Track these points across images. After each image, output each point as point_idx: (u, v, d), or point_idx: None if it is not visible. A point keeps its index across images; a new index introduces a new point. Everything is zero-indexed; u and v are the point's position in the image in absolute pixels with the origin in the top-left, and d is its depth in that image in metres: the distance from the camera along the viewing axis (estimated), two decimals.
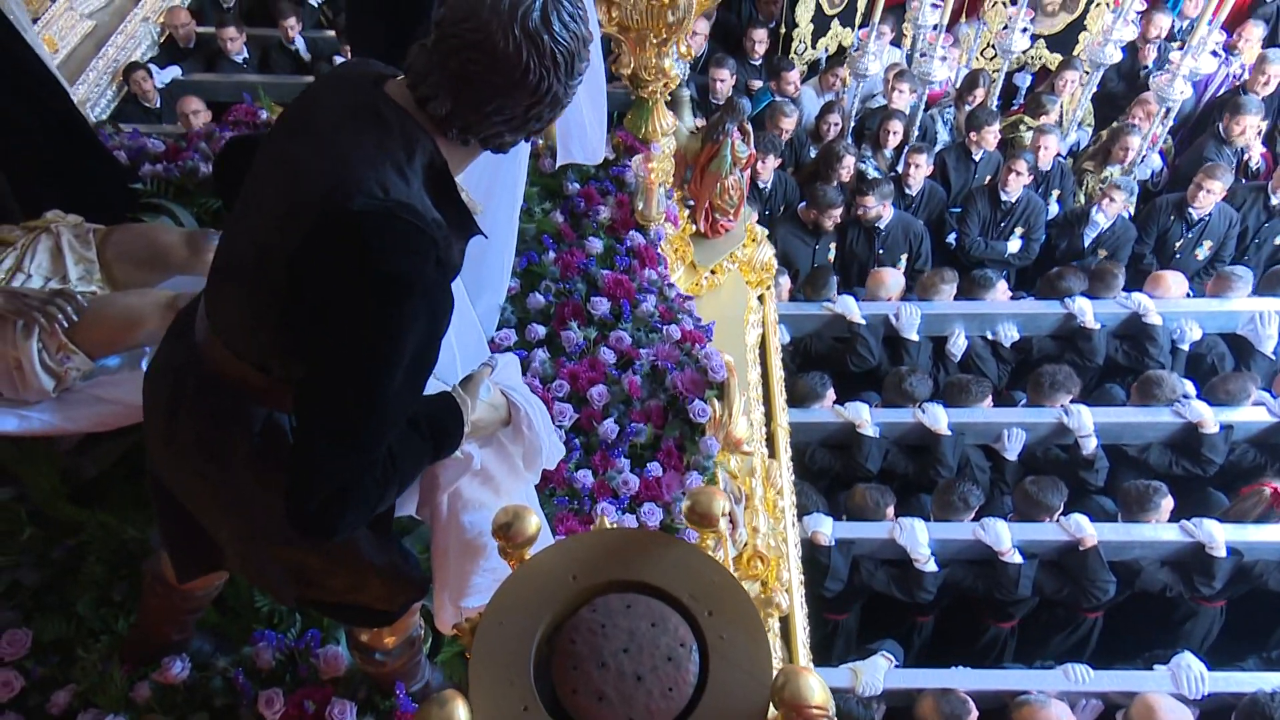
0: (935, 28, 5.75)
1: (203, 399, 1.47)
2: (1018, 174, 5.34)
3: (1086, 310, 4.82)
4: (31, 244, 2.49)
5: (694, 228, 3.87)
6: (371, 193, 1.24)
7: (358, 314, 1.23)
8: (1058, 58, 6.60)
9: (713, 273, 4.03)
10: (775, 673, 1.32)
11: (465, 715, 1.28)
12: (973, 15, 6.86)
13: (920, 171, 5.59)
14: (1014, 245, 5.58)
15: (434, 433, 1.49)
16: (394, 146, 1.28)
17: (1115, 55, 5.78)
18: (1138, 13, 5.93)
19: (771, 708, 1.32)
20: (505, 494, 1.70)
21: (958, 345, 4.95)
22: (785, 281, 5.08)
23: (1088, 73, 6.00)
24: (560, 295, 3.01)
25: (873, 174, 5.86)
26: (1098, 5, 6.39)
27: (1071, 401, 4.50)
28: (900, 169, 5.73)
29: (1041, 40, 6.67)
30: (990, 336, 4.99)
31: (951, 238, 5.76)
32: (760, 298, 4.34)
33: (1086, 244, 5.50)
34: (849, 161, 5.56)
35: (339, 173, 1.26)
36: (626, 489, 2.56)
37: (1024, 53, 6.52)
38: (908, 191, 5.65)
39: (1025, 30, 6.03)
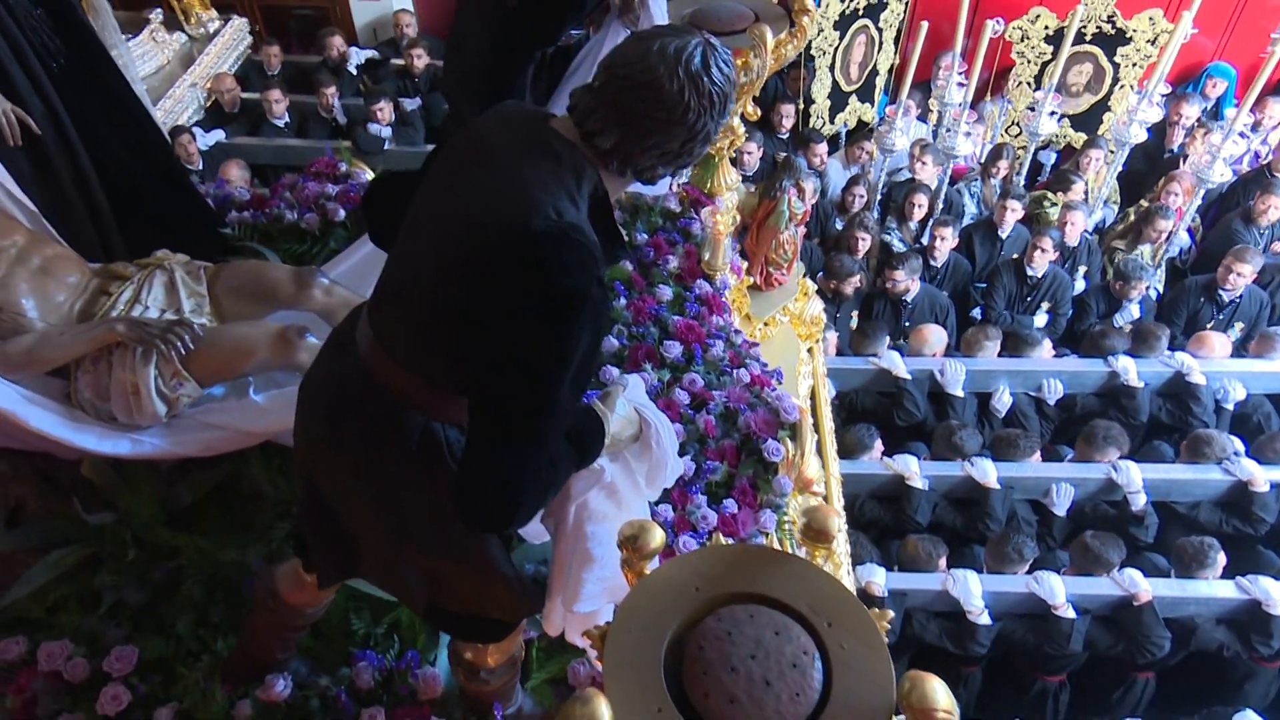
0: (960, 105, 5.91)
1: (365, 405, 1.58)
2: (1043, 250, 5.42)
3: (1130, 369, 4.88)
4: (147, 278, 2.64)
5: (750, 280, 4.01)
6: (548, 215, 1.37)
7: (535, 324, 1.35)
8: (1082, 136, 6.74)
9: (766, 324, 4.15)
10: (901, 678, 1.38)
11: (608, 713, 1.35)
12: (997, 93, 7.04)
13: (945, 244, 5.70)
14: (1040, 320, 5.66)
15: (580, 443, 1.60)
16: (565, 176, 1.42)
17: (1140, 135, 5.90)
18: (1163, 95, 6.09)
19: (897, 713, 1.38)
20: (627, 508, 1.79)
21: (1002, 401, 5.02)
22: (832, 336, 5.19)
23: (1113, 151, 6.13)
24: (634, 339, 3.13)
25: (898, 246, 6.00)
26: (1122, 87, 6.56)
27: (1120, 458, 4.54)
28: (926, 241, 5.85)
29: (1066, 119, 6.82)
30: (1034, 393, 5.05)
31: (976, 312, 5.84)
32: (810, 350, 4.45)
33: (1117, 326, 5.55)
34: (868, 236, 5.70)
35: (519, 197, 1.39)
36: (705, 524, 2.64)
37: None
38: (932, 264, 5.75)
39: (1053, 113, 6.18)
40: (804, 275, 4.39)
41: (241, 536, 2.67)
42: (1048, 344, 5.13)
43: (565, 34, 2.74)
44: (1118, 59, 6.46)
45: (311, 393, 1.70)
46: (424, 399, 1.55)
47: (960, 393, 4.96)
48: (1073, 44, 5.99)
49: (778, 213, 3.88)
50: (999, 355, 5.13)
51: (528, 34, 2.54)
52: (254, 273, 2.67)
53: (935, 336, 5.19)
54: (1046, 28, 6.53)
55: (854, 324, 5.58)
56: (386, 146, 6.35)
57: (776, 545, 2.84)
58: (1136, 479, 4.41)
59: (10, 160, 2.72)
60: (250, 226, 3.62)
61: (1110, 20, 6.32)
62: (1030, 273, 5.53)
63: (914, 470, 4.48)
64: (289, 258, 3.51)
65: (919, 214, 6.03)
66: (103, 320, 2.48)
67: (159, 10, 6.66)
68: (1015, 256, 5.68)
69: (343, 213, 3.60)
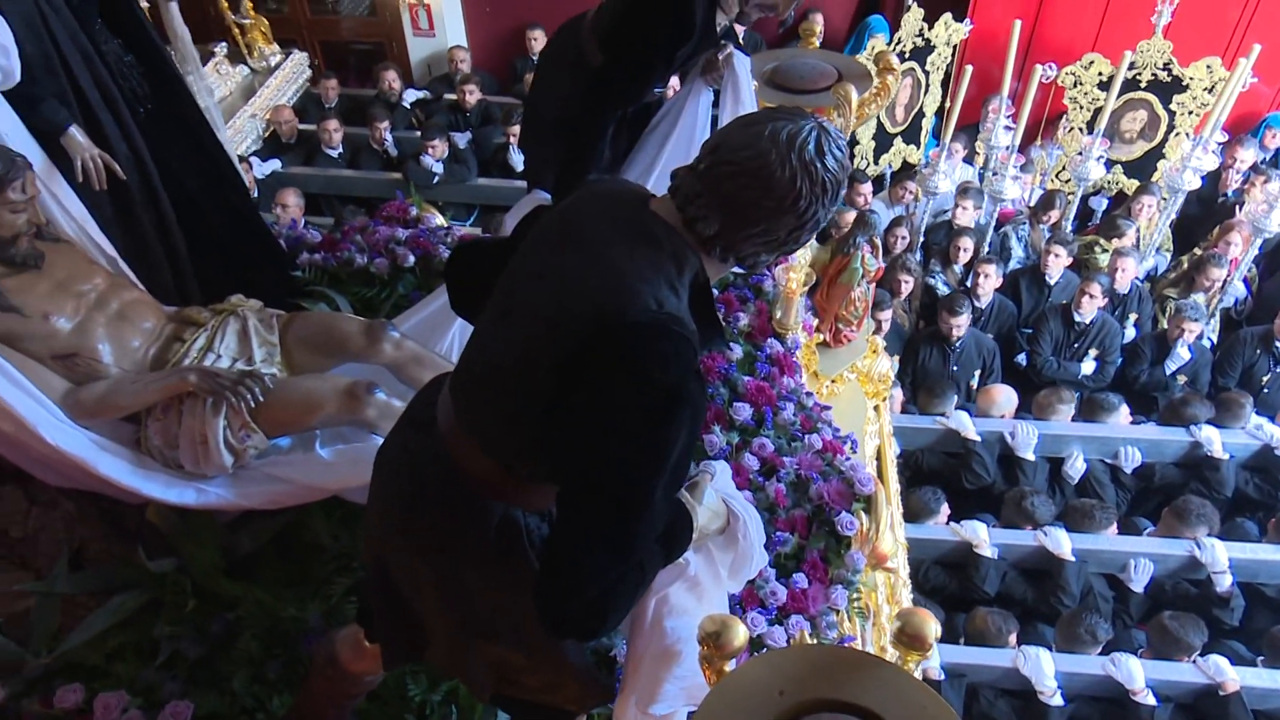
0: (1008, 148, 5.79)
1: (444, 490, 1.52)
2: (1092, 296, 5.26)
3: (1214, 440, 4.66)
4: (221, 326, 2.63)
5: (819, 337, 3.91)
6: (647, 306, 1.30)
7: (630, 422, 1.27)
8: (1135, 183, 6.58)
9: (833, 382, 4.04)
10: None
11: None
12: (1047, 138, 6.91)
13: (989, 282, 5.55)
14: (1088, 367, 5.47)
15: (667, 539, 1.51)
16: (665, 262, 1.35)
17: (1194, 182, 5.72)
18: (1219, 143, 5.90)
19: None
20: (708, 602, 1.70)
21: (1075, 468, 4.82)
22: (898, 393, 5.05)
23: (1165, 198, 5.95)
24: None
25: (942, 289, 5.86)
26: (1177, 134, 6.39)
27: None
28: (969, 281, 5.71)
29: (1118, 166, 6.66)
30: (1110, 460, 4.85)
31: (1021, 357, 5.67)
32: (875, 408, 4.33)
33: (1169, 374, 5.38)
34: (911, 278, 5.59)
35: (615, 285, 1.32)
36: (774, 599, 2.53)
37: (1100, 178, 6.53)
38: (976, 304, 5.60)
39: (1101, 158, 6.03)
40: (873, 332, 4.29)
41: (299, 589, 2.63)
42: (1125, 410, 4.93)
43: (649, 94, 2.71)
44: (1173, 106, 6.31)
45: (387, 471, 1.64)
46: (504, 486, 1.48)
47: (1032, 457, 4.78)
48: (1127, 90, 5.86)
49: (850, 270, 3.79)
50: (1073, 419, 4.94)
51: (611, 93, 2.51)
52: (325, 324, 2.66)
53: (1004, 397, 5.03)
54: (1100, 74, 6.41)
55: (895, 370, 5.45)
56: (436, 180, 6.45)
57: (848, 624, 2.74)
58: (1222, 558, 4.18)
59: (94, 203, 2.75)
60: (320, 269, 3.63)
61: (1166, 68, 6.19)
62: (1078, 319, 5.36)
63: (983, 537, 4.30)
64: (358, 301, 3.52)
65: (964, 257, 5.90)
66: (176, 369, 2.47)
67: (224, 44, 6.89)
68: (1063, 302, 5.52)
69: (412, 258, 3.60)
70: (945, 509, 4.49)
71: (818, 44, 3.43)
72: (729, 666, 1.53)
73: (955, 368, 5.38)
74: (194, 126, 3.15)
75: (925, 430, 4.91)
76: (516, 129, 6.46)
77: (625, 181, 1.51)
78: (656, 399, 1.26)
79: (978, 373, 5.45)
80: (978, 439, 4.78)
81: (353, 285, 3.59)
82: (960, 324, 5.23)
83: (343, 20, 8.15)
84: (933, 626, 1.51)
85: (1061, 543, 4.23)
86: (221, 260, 3.24)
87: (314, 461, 2.46)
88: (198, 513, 2.61)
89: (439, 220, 4.03)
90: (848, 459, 2.91)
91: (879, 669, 1.51)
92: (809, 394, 3.25)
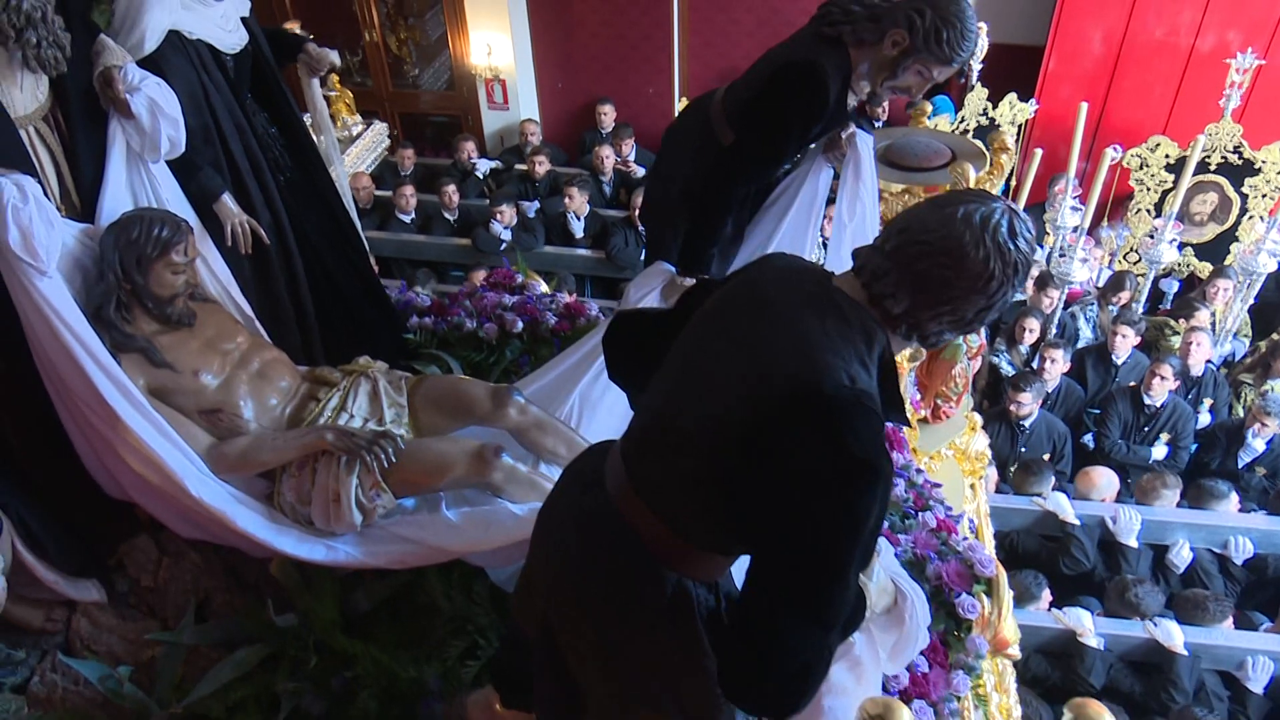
0: (1075, 229, 5.70)
1: (616, 556, 1.53)
2: (1163, 378, 5.10)
3: None
4: (352, 386, 2.71)
5: (920, 413, 3.87)
6: (840, 380, 1.31)
7: (827, 495, 1.27)
8: (1207, 266, 6.43)
9: (931, 459, 3.98)
10: None
11: None
12: (1115, 219, 6.82)
13: (1056, 367, 5.42)
14: (1159, 452, 5.28)
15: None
16: (855, 338, 1.37)
17: (1270, 265, 5.56)
18: None
19: None
20: (865, 682, 1.67)
21: (1181, 556, 4.63)
22: (992, 473, 4.94)
23: (1241, 282, 5.81)
24: None
25: (1007, 370, 5.75)
26: (1250, 217, 6.26)
27: None
28: (1036, 364, 5.59)
29: (1189, 248, 6.53)
30: (1219, 550, 4.65)
31: (1088, 438, 5.52)
32: (972, 486, 4.25)
33: (1241, 465, 5.16)
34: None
35: (808, 356, 1.34)
36: (895, 683, 2.46)
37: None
38: (1043, 388, 5.45)
39: (1173, 241, 5.91)
40: (971, 409, 4.23)
41: (413, 650, 2.64)
42: (1235, 498, 4.74)
43: (779, 172, 2.76)
44: (1245, 189, 6.22)
45: (555, 535, 1.66)
46: (677, 553, 1.49)
47: (1135, 544, 4.61)
48: (1197, 173, 5.78)
49: (954, 345, 3.76)
50: (1178, 505, 4.77)
51: (742, 171, 2.57)
52: (453, 387, 2.72)
53: (1105, 481, 4.88)
54: (1167, 156, 6.38)
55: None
56: (503, 247, 6.64)
57: (970, 711, 2.65)
58: None
59: (235, 265, 2.89)
60: (430, 332, 3.73)
61: (1237, 151, 6.10)
62: (1148, 401, 5.19)
63: (1087, 626, 4.14)
64: (466, 365, 3.60)
65: (1030, 338, 5.79)
66: (313, 428, 2.55)
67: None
68: (1133, 384, 5.37)
69: (520, 324, 3.68)
70: (1046, 594, 4.34)
71: (928, 122, 3.48)
72: None
73: (1023, 449, 5.25)
74: (326, 193, 3.31)
75: (1021, 511, 4.78)
76: (575, 190, 6.69)
77: (801, 258, 1.54)
78: (853, 473, 1.27)
79: (1047, 456, 5.32)
80: (1077, 523, 4.63)
81: (461, 349, 3.68)
82: (1028, 403, 5.12)
83: (422, 94, 8.53)
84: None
85: (1173, 635, 4.04)
86: (344, 322, 3.36)
87: (440, 523, 2.49)
88: (318, 569, 2.66)
89: (543, 287, 4.12)
90: (965, 539, 2.85)
91: None
92: (919, 471, 3.21)
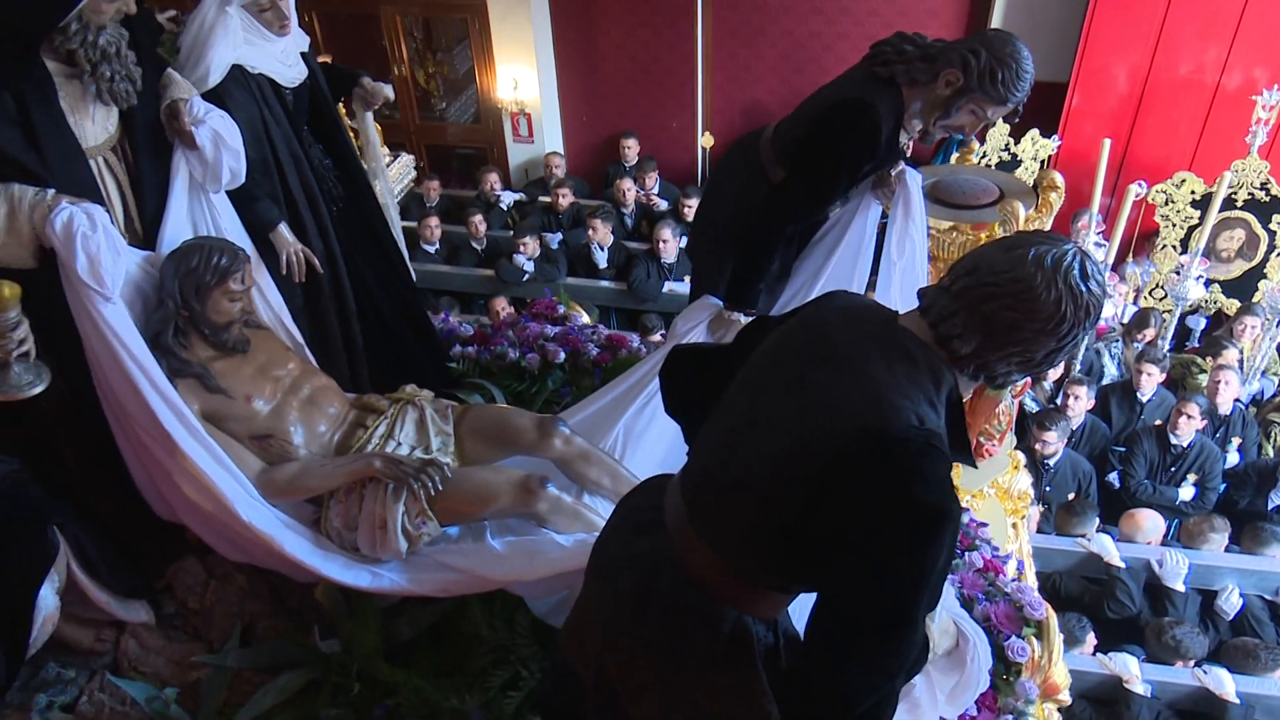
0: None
1: (674, 594, 1.52)
2: (1189, 417, 4.99)
3: None
4: (400, 414, 2.74)
5: None
6: (909, 422, 1.31)
7: (896, 540, 1.26)
8: (1234, 303, 6.32)
9: (973, 497, 3.94)
10: None
11: None
12: (1140, 255, 6.74)
13: (1080, 404, 5.33)
14: (1186, 493, 5.16)
15: None
16: (923, 379, 1.37)
17: None
18: None
19: None
20: None
21: (1230, 602, 4.51)
22: (1034, 512, 4.86)
23: (1270, 319, 5.70)
24: None
25: (1031, 407, 5.67)
26: (1278, 254, 6.16)
27: None
28: (1059, 401, 5.50)
29: (1216, 285, 6.43)
30: (1271, 596, 4.53)
31: (1113, 476, 5.40)
32: (1014, 525, 4.18)
33: (1271, 506, 5.03)
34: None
35: (876, 399, 1.34)
36: None
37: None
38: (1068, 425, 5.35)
39: (1200, 277, 5.83)
40: (1014, 447, 4.18)
41: (454, 680, 2.64)
42: None
43: (829, 210, 2.77)
44: (1273, 225, 6.13)
45: (610, 574, 1.65)
46: (735, 591, 1.48)
47: (1181, 588, 4.50)
48: (1223, 209, 5.71)
49: None
50: (1227, 549, 4.66)
51: (792, 209, 2.58)
52: (500, 417, 2.73)
53: (1150, 524, 4.78)
54: (1193, 192, 6.31)
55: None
56: (526, 278, 6.72)
57: None
58: None
59: (287, 293, 2.94)
60: (474, 362, 3.77)
61: (1264, 187, 6.03)
62: (1174, 440, 5.09)
63: (1134, 672, 4.04)
64: (509, 395, 3.62)
65: (1053, 374, 5.70)
66: (361, 454, 2.57)
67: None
68: (1158, 422, 5.26)
69: (563, 355, 3.70)
70: (1091, 638, 4.25)
71: (974, 159, 3.47)
72: None
73: (1049, 488, 5.16)
74: (375, 224, 3.36)
75: (1064, 552, 4.69)
76: (598, 223, 6.75)
77: (863, 296, 1.54)
78: (923, 517, 1.26)
79: (1071, 495, 5.23)
80: (1123, 565, 4.54)
81: (504, 379, 3.71)
82: (1053, 441, 5.05)
83: (449, 126, 8.67)
84: None
85: (1224, 683, 3.93)
86: (389, 350, 3.40)
87: (486, 552, 2.50)
88: (361, 596, 2.67)
89: (585, 319, 4.15)
90: (1013, 580, 2.80)
91: None
92: (964, 509, 3.17)
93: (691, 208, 6.99)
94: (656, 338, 5.61)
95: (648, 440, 2.80)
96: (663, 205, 7.40)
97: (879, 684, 1.28)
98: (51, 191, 2.20)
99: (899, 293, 2.83)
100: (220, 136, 2.51)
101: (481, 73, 8.17)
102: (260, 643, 2.77)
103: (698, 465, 1.57)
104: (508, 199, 7.69)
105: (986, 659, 1.69)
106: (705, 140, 8.14)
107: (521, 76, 7.91)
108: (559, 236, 7.15)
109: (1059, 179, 3.17)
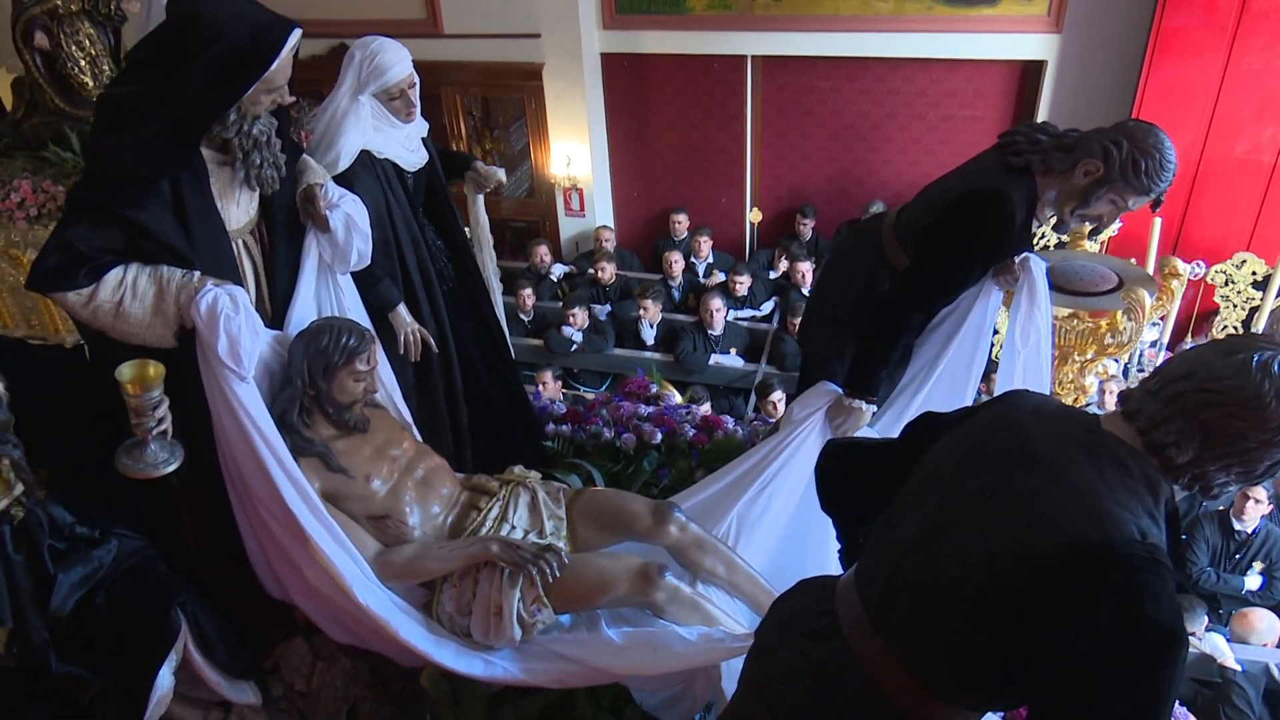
0: (1154, 345, 5.47)
1: (858, 706, 1.44)
2: (1256, 501, 4.75)
3: None
4: (512, 496, 2.71)
5: None
6: (1132, 535, 1.24)
7: (1130, 663, 1.18)
8: None
9: None
10: None
11: None
12: (1199, 334, 6.54)
13: None
14: (1253, 581, 4.88)
15: None
16: (1140, 490, 1.30)
17: None
18: None
19: None
20: None
21: None
22: None
23: None
24: None
25: None
26: None
27: None
28: None
29: None
30: None
31: None
32: None
33: None
34: None
35: (1092, 510, 1.27)
36: None
37: None
38: None
39: None
40: None
41: None
42: None
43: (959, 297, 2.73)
44: None
45: (779, 685, 1.56)
46: (920, 704, 1.39)
47: None
48: None
49: None
50: None
51: (922, 296, 2.54)
52: (614, 502, 2.69)
53: (1266, 624, 4.51)
54: (1254, 273, 6.12)
55: None
56: (574, 348, 6.77)
57: None
58: None
59: (399, 371, 2.96)
60: (569, 441, 3.74)
61: None
62: (1239, 527, 4.84)
63: None
64: (606, 475, 3.58)
65: None
66: (478, 538, 2.54)
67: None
68: (1221, 508, 5.00)
69: (659, 436, 3.66)
70: None
71: (1087, 245, 3.41)
72: None
73: None
74: (481, 303, 3.40)
75: None
76: (649, 302, 6.77)
77: (1056, 399, 1.48)
78: (1152, 641, 1.17)
79: None
80: (1239, 668, 4.28)
81: (599, 458, 3.67)
82: None
83: (503, 200, 8.85)
84: None
85: None
86: (491, 429, 3.40)
87: (602, 643, 2.43)
88: (466, 683, 2.61)
89: (678, 398, 4.12)
90: None
91: None
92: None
93: (742, 284, 7.06)
94: (756, 419, 5.53)
95: (761, 529, 2.73)
96: (720, 277, 7.44)
97: None
98: (198, 273, 2.25)
99: (1022, 382, 2.76)
100: (352, 220, 2.57)
101: (536, 149, 8.37)
102: None
103: (880, 569, 1.49)
104: (558, 271, 7.81)
105: None
106: (753, 215, 8.25)
107: (574, 153, 8.11)
108: (607, 308, 7.23)
109: (1181, 266, 3.11)
